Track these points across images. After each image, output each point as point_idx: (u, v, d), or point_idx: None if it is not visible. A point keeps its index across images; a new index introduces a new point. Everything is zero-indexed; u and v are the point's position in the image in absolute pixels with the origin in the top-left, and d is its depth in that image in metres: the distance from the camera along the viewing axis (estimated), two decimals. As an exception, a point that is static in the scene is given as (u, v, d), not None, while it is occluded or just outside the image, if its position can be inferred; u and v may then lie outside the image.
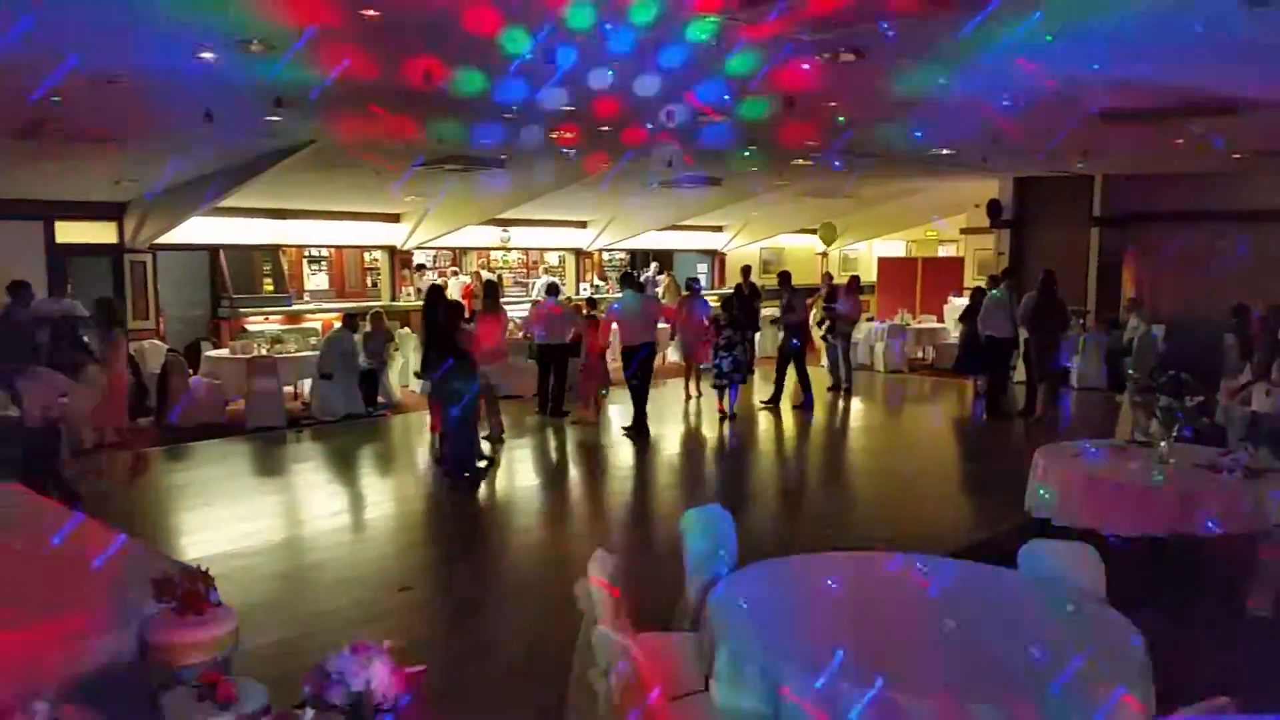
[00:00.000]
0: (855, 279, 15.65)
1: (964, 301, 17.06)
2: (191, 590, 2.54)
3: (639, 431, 10.98)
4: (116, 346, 9.88)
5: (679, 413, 12.87)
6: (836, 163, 12.94)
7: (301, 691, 2.42)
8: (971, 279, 19.13)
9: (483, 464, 9.35)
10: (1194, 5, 5.19)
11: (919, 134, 10.51)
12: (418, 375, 11.25)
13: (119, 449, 9.99)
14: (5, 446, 7.38)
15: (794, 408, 12.84)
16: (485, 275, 18.74)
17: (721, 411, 12.02)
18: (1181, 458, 6.13)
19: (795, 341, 12.82)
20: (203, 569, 2.59)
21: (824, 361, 14.90)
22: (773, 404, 12.80)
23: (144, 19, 5.56)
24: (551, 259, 21.71)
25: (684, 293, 13.61)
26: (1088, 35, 5.91)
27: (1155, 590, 5.60)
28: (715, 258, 23.17)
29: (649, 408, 11.19)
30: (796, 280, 23.25)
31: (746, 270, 14.72)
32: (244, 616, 3.41)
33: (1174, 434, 6.26)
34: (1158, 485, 5.73)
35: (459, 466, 9.02)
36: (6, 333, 9.29)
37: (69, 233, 13.28)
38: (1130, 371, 12.22)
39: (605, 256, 22.35)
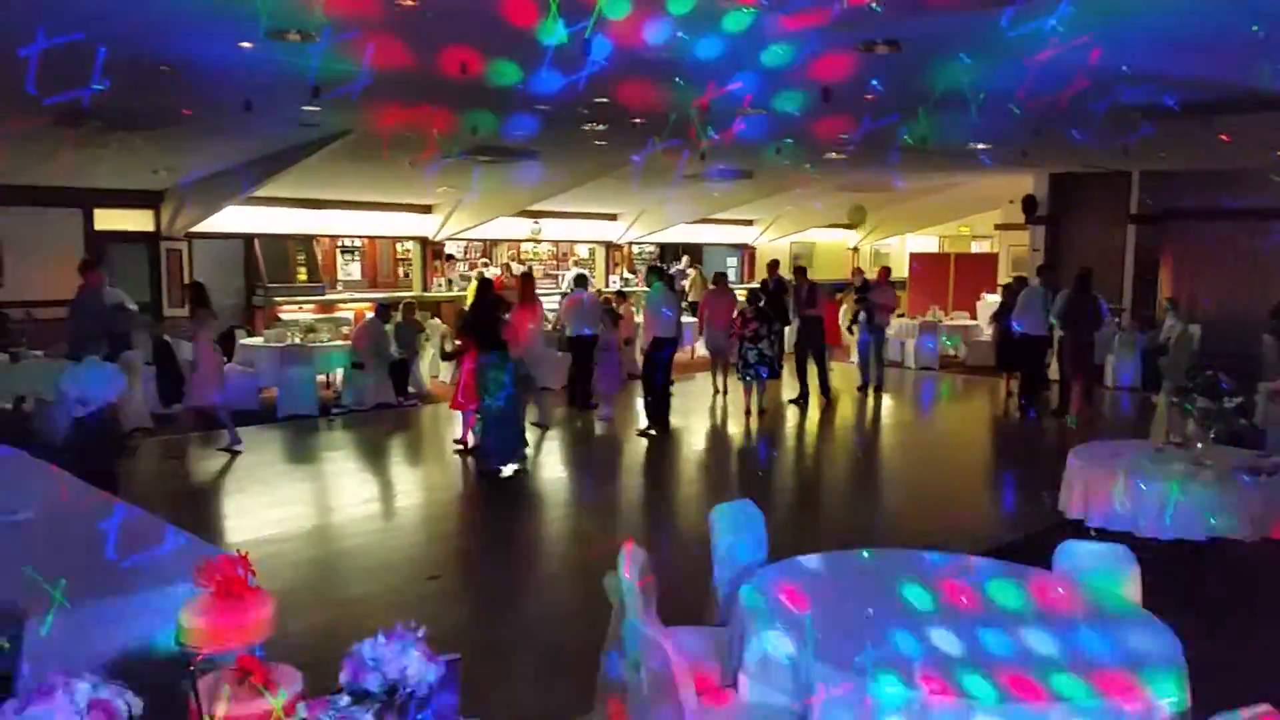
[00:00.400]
0: (886, 270, 15.55)
1: (997, 299, 16.91)
2: (231, 575, 2.56)
3: (661, 426, 10.96)
4: (207, 327, 10.06)
5: (706, 408, 12.85)
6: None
7: (337, 677, 2.43)
8: (1005, 275, 18.95)
9: (518, 461, 9.29)
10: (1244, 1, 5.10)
11: (956, 127, 10.40)
12: (445, 358, 11.34)
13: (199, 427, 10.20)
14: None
15: (789, 401, 12.74)
16: (516, 266, 18.82)
17: (749, 407, 11.96)
18: (1219, 460, 6.04)
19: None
20: (242, 553, 2.62)
21: (853, 357, 14.80)
22: (801, 401, 12.73)
23: (187, 8, 5.61)
24: (581, 251, 21.73)
25: (710, 286, 13.53)
26: (1131, 29, 5.83)
27: (1191, 594, 5.53)
28: (745, 252, 23.10)
29: (674, 402, 11.19)
30: (827, 275, 23.28)
31: (774, 265, 14.68)
32: (279, 602, 3.45)
33: (1211, 435, 6.17)
34: (1195, 488, 5.66)
35: (500, 459, 9.01)
36: (84, 317, 9.39)
37: (107, 220, 13.46)
38: (1166, 371, 12.07)
39: (635, 249, 22.34)
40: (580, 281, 12.83)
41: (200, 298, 10.94)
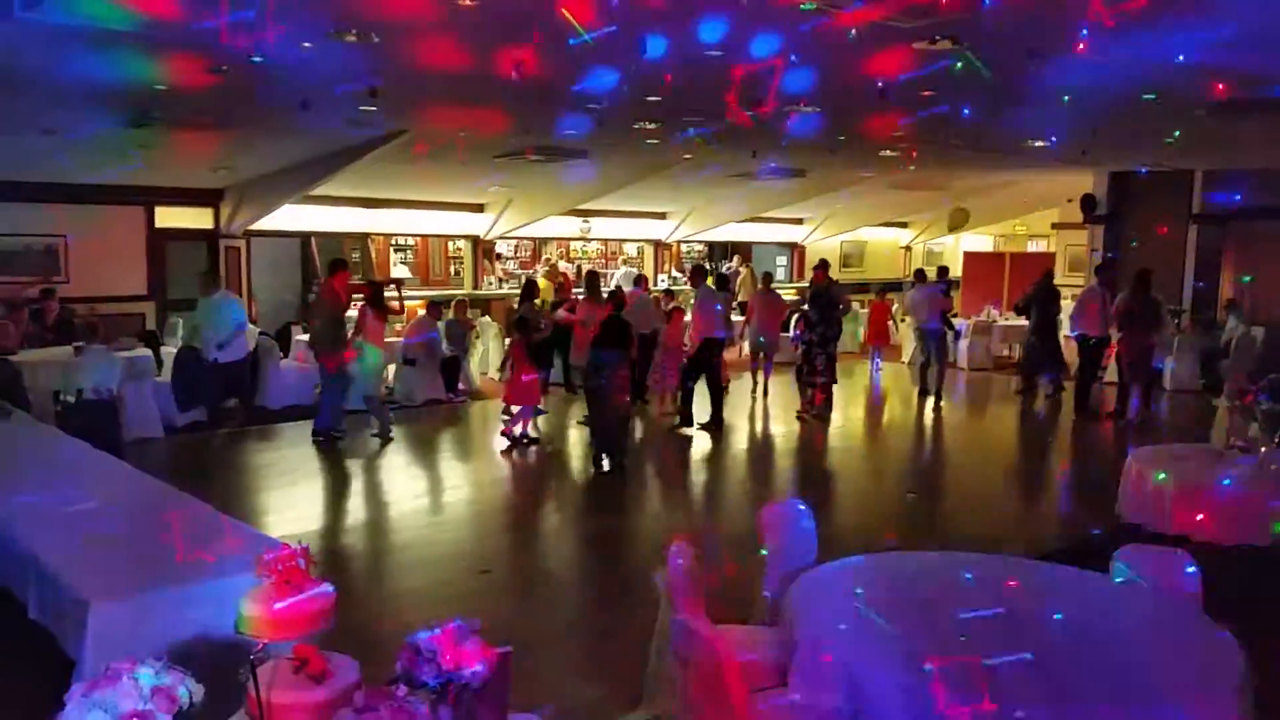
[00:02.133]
0: (944, 269, 15.32)
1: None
2: (292, 566, 2.61)
3: (716, 424, 10.97)
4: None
5: (751, 407, 12.79)
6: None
7: (392, 667, 2.47)
8: (1064, 275, 18.60)
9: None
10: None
11: (1014, 125, 10.24)
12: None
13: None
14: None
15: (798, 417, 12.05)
16: (564, 265, 18.92)
17: (806, 411, 11.75)
18: (1284, 464, 5.89)
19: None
20: (303, 545, 2.67)
21: (905, 357, 14.60)
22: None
23: (249, 7, 5.71)
24: (630, 250, 21.76)
25: (759, 288, 13.48)
26: (1195, 25, 5.69)
27: (1252, 600, 5.40)
28: (794, 250, 22.95)
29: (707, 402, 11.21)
30: (879, 275, 23.03)
31: (825, 265, 14.49)
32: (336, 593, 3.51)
33: (1276, 439, 6.02)
34: (1260, 494, 5.52)
35: (623, 453, 9.21)
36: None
37: (168, 218, 13.75)
38: (1227, 374, 11.79)
39: (684, 248, 22.31)
40: (638, 281, 13.12)
41: (379, 296, 11.07)
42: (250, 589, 2.76)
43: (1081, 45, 5.96)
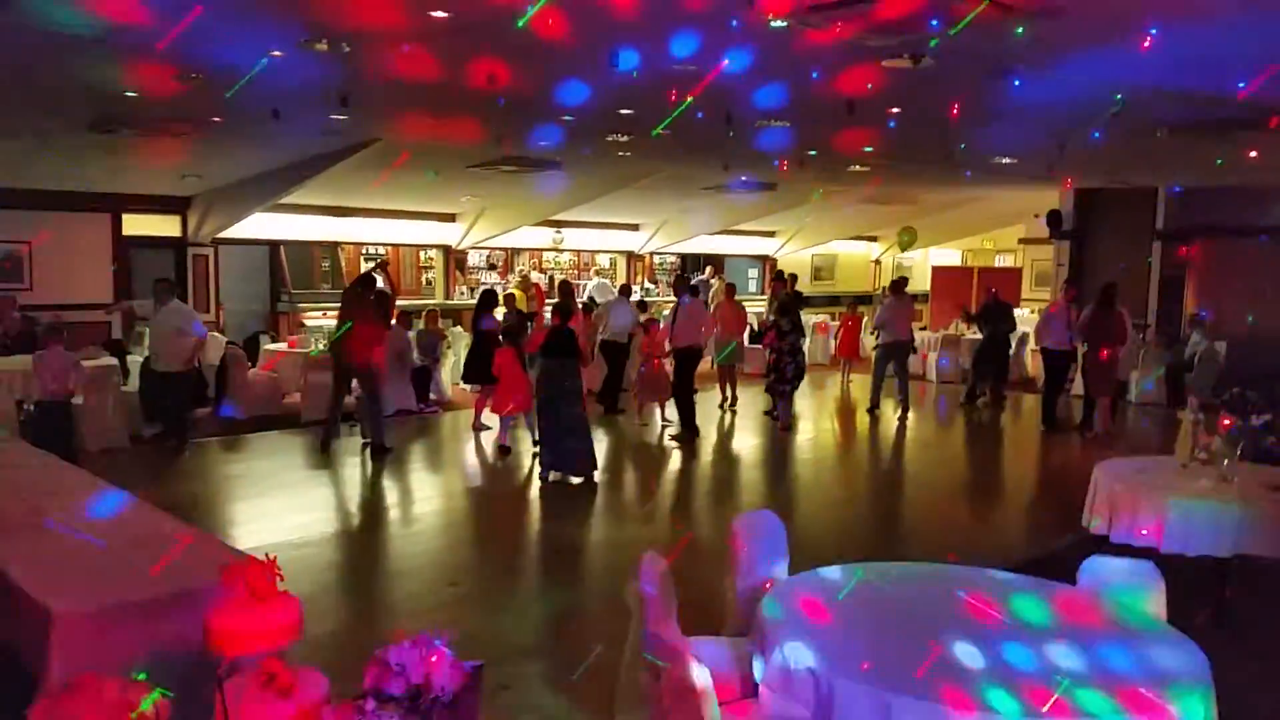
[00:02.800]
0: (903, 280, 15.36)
1: (1023, 313, 16.85)
2: (259, 579, 2.59)
3: (691, 433, 11.02)
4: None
5: (719, 418, 12.82)
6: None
7: (361, 681, 2.46)
8: (1030, 290, 18.85)
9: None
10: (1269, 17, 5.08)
11: (980, 142, 10.37)
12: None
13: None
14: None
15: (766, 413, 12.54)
16: (536, 275, 18.92)
17: (772, 418, 11.93)
18: (1246, 477, 5.98)
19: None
20: (270, 557, 2.65)
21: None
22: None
23: (219, 16, 5.68)
24: (602, 261, 21.79)
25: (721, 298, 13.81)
26: (1155, 47, 5.80)
27: (1217, 611, 5.49)
28: (766, 263, 23.08)
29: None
30: (852, 288, 23.22)
31: (783, 275, 14.63)
32: (303, 606, 3.48)
33: (1237, 452, 6.11)
34: (1220, 505, 5.60)
35: (589, 465, 9.04)
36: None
37: (135, 225, 13.61)
38: (1192, 388, 11.98)
39: (656, 260, 22.38)
40: (624, 291, 13.63)
41: (385, 305, 10.96)
42: (217, 601, 2.73)
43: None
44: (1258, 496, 5.74)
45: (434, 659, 2.35)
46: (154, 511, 4.76)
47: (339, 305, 10.90)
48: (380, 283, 11.18)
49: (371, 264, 15.04)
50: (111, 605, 3.46)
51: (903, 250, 21.35)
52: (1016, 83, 7.05)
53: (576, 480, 8.99)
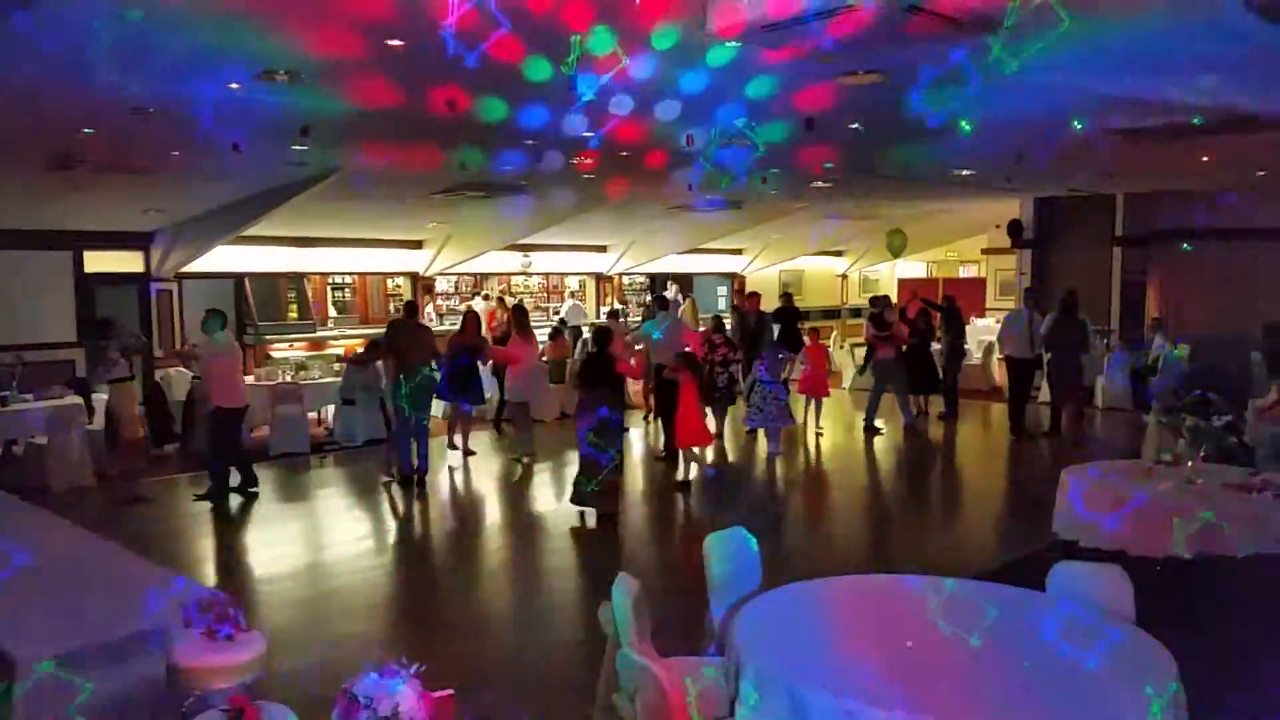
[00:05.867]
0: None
1: (987, 323, 17.00)
2: (222, 615, 2.56)
3: (671, 455, 10.90)
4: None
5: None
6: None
7: (330, 715, 2.43)
8: (994, 299, 19.06)
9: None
10: (1210, 24, 5.19)
11: (940, 155, 10.50)
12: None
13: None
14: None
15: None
16: (509, 300, 18.89)
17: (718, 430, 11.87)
18: (1210, 478, 6.06)
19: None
20: (232, 593, 2.61)
21: (845, 383, 14.73)
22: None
23: (173, 50, 5.65)
24: (572, 283, 21.80)
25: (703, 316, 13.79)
26: (1104, 55, 5.91)
27: (1184, 612, 5.53)
28: (735, 280, 23.18)
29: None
30: (820, 303, 23.36)
31: (754, 295, 14.76)
32: (269, 641, 3.43)
33: (1201, 454, 6.20)
34: (1186, 507, 5.67)
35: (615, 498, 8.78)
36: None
37: (97, 262, 13.45)
38: (1155, 391, 12.13)
39: (625, 280, 22.43)
40: (612, 314, 13.76)
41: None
42: (181, 639, 2.69)
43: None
44: (1222, 497, 5.83)
45: (402, 690, 2.33)
46: (119, 551, 4.69)
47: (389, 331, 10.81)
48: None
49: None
50: (76, 648, 3.40)
51: (895, 256, 20.94)
52: (955, 114, 7.22)
53: (603, 514, 8.65)
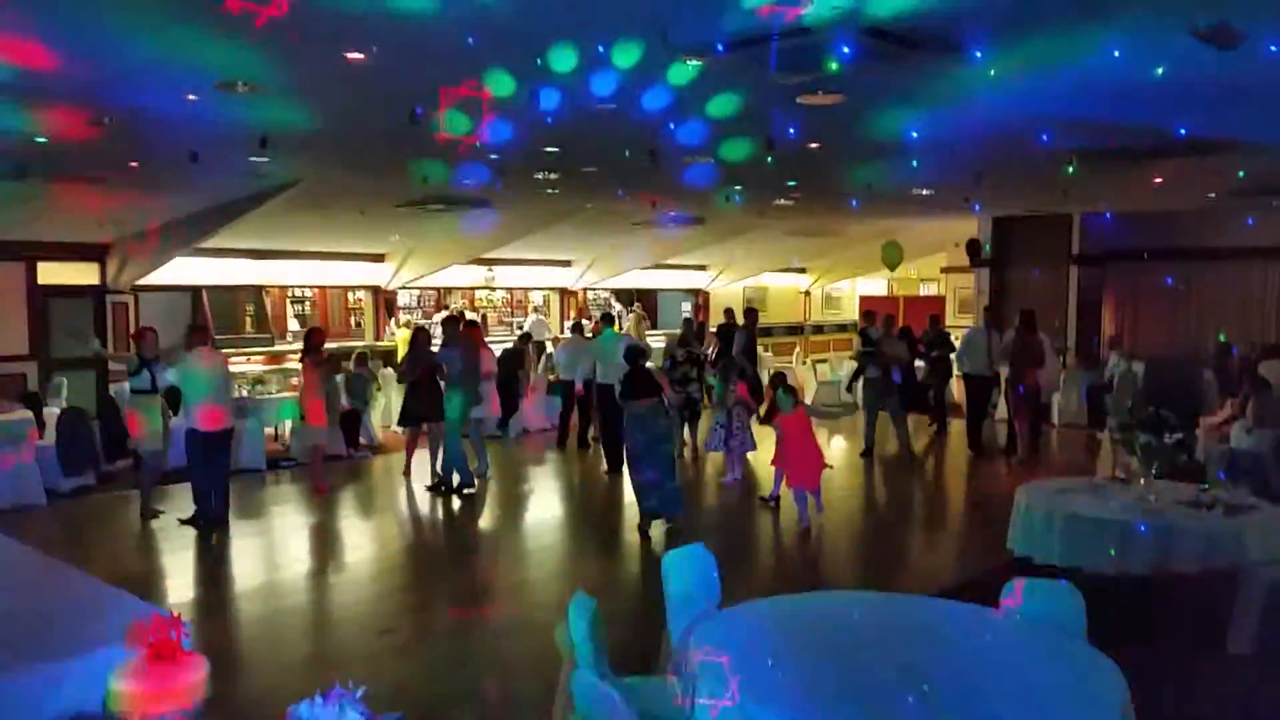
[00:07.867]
0: (891, 317, 14.90)
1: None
2: (163, 636, 2.50)
3: (616, 472, 10.85)
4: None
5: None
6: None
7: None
8: (953, 317, 19.25)
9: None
10: (1161, 50, 5.29)
11: (899, 174, 10.61)
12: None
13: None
14: None
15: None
16: (469, 314, 18.84)
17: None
18: (1162, 495, 6.15)
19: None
20: (175, 614, 2.56)
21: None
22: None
23: (131, 60, 5.58)
24: (536, 298, 21.78)
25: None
26: (1056, 79, 6.01)
27: (1136, 628, 5.60)
28: (699, 296, 23.26)
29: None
30: (780, 319, 23.48)
31: (728, 312, 14.90)
32: (220, 662, 3.36)
33: (1154, 471, 6.29)
34: (1138, 523, 5.75)
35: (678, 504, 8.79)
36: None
37: (51, 274, 13.22)
38: (1110, 409, 12.29)
39: (590, 295, 22.43)
40: (577, 328, 13.81)
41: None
42: (123, 661, 2.63)
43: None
44: (1174, 513, 5.91)
45: (348, 713, 2.28)
46: (64, 570, 4.58)
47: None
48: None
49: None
50: (12, 673, 3.31)
51: (891, 269, 20.59)
52: (914, 134, 7.32)
53: (669, 523, 8.68)
